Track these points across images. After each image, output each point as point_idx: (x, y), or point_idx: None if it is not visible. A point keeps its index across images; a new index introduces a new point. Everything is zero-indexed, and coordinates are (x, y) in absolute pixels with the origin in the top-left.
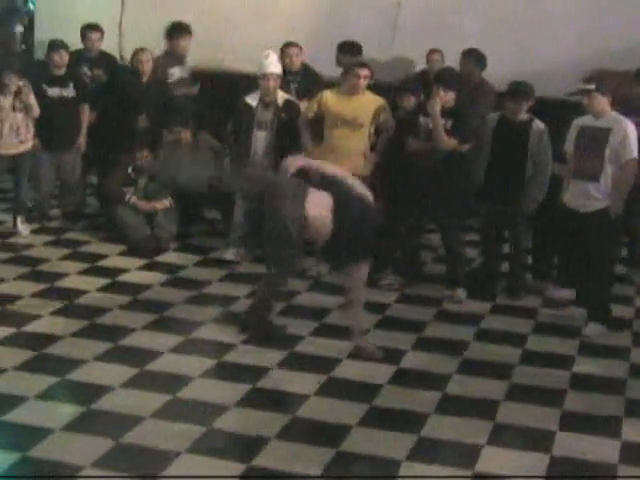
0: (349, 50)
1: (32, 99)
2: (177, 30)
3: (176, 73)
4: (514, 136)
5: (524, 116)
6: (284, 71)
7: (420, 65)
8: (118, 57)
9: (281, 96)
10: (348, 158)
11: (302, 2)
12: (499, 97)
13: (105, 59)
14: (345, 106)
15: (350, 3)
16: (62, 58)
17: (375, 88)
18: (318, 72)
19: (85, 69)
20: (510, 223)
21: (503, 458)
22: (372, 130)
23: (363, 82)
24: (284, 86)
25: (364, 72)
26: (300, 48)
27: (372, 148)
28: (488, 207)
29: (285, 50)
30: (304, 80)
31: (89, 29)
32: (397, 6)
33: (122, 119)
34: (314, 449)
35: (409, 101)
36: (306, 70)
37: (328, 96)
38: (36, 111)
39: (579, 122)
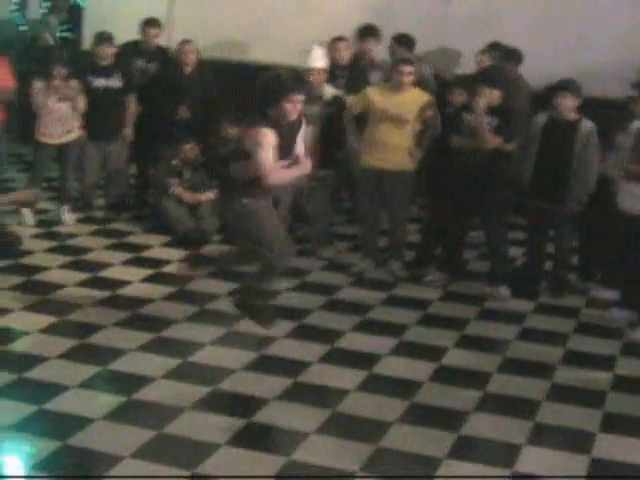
0: (405, 43)
1: (78, 90)
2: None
3: None
4: (561, 135)
5: (572, 115)
6: (332, 65)
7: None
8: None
9: (328, 90)
10: (392, 154)
11: None
12: (545, 94)
13: (160, 52)
14: (390, 102)
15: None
16: (106, 50)
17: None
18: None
19: (141, 62)
20: (555, 222)
21: (542, 458)
22: (418, 126)
23: (407, 78)
24: (332, 80)
25: (407, 68)
26: (348, 42)
27: (419, 144)
28: (534, 206)
29: (334, 44)
30: (353, 74)
31: (149, 24)
32: (446, 1)
33: (165, 110)
34: (354, 444)
35: (460, 97)
36: (353, 66)
37: (373, 92)
38: (82, 101)
39: (636, 125)
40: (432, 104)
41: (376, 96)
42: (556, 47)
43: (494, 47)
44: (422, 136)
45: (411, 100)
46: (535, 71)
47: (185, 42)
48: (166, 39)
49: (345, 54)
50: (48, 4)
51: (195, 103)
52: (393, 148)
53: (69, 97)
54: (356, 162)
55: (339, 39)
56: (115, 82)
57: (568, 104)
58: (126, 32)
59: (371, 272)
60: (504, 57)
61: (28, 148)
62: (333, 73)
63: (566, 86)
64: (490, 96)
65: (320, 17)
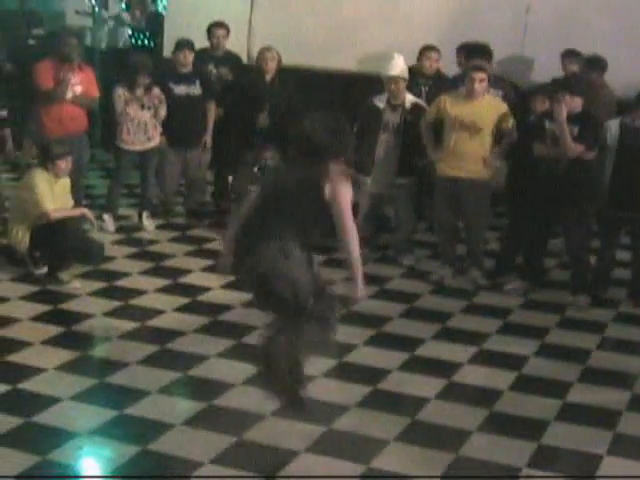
0: (476, 53)
1: (161, 97)
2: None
3: None
4: (637, 142)
5: None
6: (418, 73)
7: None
8: (246, 56)
9: (408, 99)
10: (466, 162)
11: (428, 3)
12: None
13: (230, 58)
14: (463, 110)
15: (479, 5)
16: (187, 57)
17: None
18: (450, 78)
19: (210, 67)
20: (634, 230)
21: (623, 468)
22: (493, 135)
23: (479, 86)
24: (413, 88)
25: (480, 76)
26: (439, 53)
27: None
28: (612, 214)
29: (425, 53)
30: (436, 85)
31: (215, 26)
32: (527, 9)
33: (246, 117)
34: (433, 453)
35: (543, 105)
36: (439, 76)
37: (447, 100)
38: (163, 110)
39: None
40: (507, 113)
41: (449, 104)
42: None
43: (575, 54)
44: (498, 144)
45: (485, 108)
46: (620, 79)
47: (266, 49)
48: (246, 45)
49: (434, 65)
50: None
51: (275, 111)
52: (467, 156)
53: (151, 106)
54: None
55: (432, 49)
56: (196, 89)
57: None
58: (206, 39)
59: (450, 280)
60: (588, 65)
61: (109, 154)
62: (417, 81)
63: None
64: (571, 104)
65: (403, 26)
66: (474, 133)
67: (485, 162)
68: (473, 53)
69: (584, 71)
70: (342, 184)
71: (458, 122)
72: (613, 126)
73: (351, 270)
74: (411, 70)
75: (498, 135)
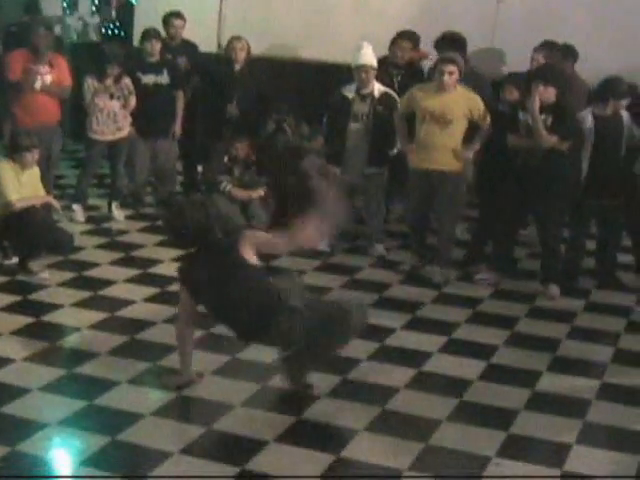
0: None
1: (130, 87)
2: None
3: None
4: (612, 130)
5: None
6: (390, 62)
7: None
8: (216, 46)
9: (377, 88)
10: (437, 154)
11: None
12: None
13: (187, 47)
14: (433, 102)
15: None
16: (154, 46)
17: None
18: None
19: (168, 57)
20: (610, 219)
21: (592, 457)
22: (465, 127)
23: (449, 78)
24: (385, 78)
25: (449, 68)
26: (412, 42)
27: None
28: (590, 203)
29: (397, 42)
30: (408, 74)
31: (172, 16)
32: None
33: (214, 107)
34: (403, 442)
35: (512, 95)
36: (412, 65)
37: (417, 92)
38: (133, 100)
39: None
40: (479, 104)
41: (420, 96)
42: (610, 45)
43: (549, 45)
44: (471, 136)
45: (456, 100)
46: (591, 70)
47: (235, 39)
48: (216, 35)
49: (406, 54)
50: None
51: (245, 101)
52: (438, 148)
53: (121, 95)
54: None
55: (403, 37)
56: (164, 78)
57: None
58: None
59: (421, 270)
60: (559, 55)
61: (79, 145)
62: (389, 71)
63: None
64: (545, 94)
65: (374, 15)
66: (444, 125)
67: (455, 154)
68: (443, 44)
69: (557, 61)
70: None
71: (428, 114)
72: (586, 116)
73: None
74: (384, 60)
75: (472, 128)
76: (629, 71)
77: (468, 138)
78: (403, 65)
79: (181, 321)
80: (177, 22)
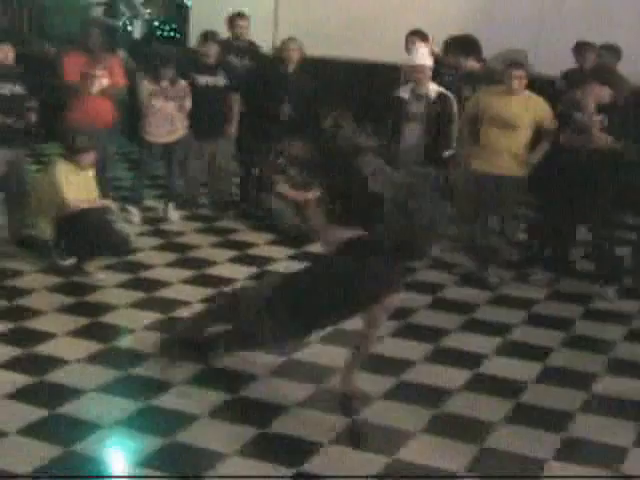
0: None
1: (186, 90)
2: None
3: None
4: None
5: None
6: (443, 64)
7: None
8: (271, 47)
9: (433, 89)
10: (500, 158)
11: None
12: None
13: (251, 48)
14: (500, 106)
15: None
16: (211, 49)
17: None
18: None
19: (232, 58)
20: None
21: None
22: (531, 132)
23: (518, 83)
24: (436, 78)
25: (519, 73)
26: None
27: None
28: None
29: (449, 46)
30: (460, 76)
31: (237, 17)
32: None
33: (268, 109)
34: (458, 444)
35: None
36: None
37: (485, 95)
38: (188, 102)
39: None
40: (546, 108)
41: (488, 99)
42: None
43: (590, 45)
44: (537, 140)
45: (523, 104)
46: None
47: (289, 40)
48: (271, 36)
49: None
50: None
51: (298, 102)
52: (503, 153)
53: (177, 97)
54: (463, 165)
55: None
56: (220, 80)
57: None
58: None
59: (477, 272)
60: (608, 54)
61: (133, 146)
62: (440, 72)
63: None
64: (600, 94)
65: (425, 15)
66: (509, 129)
67: (520, 159)
68: (452, 47)
69: (608, 61)
70: None
71: (495, 118)
72: None
73: None
74: (436, 60)
75: (537, 131)
76: None
77: (534, 141)
78: (453, 67)
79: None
80: (242, 22)
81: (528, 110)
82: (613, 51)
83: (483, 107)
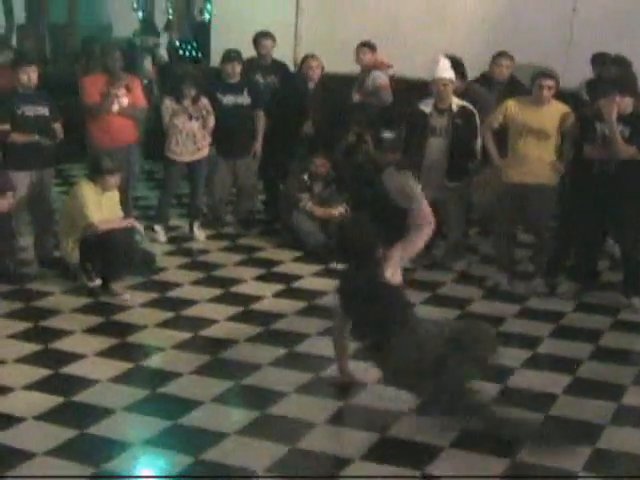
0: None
1: (209, 108)
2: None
3: None
4: None
5: None
6: (489, 79)
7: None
8: (292, 64)
9: (455, 102)
10: (535, 167)
11: (473, 5)
12: None
13: (277, 66)
14: (530, 116)
15: (523, 9)
16: (235, 68)
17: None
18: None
19: (258, 77)
20: None
21: None
22: (559, 140)
23: (547, 92)
24: (486, 94)
25: (548, 82)
26: (512, 59)
27: (560, 157)
28: None
29: (496, 60)
30: (507, 90)
31: (262, 36)
32: (572, 12)
33: (290, 126)
34: (489, 458)
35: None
36: (512, 80)
37: (513, 105)
38: (212, 120)
39: None
40: (571, 116)
41: (517, 110)
42: None
43: (605, 57)
44: (562, 149)
45: (552, 113)
46: None
47: (310, 57)
48: (292, 53)
49: (506, 71)
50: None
51: (320, 118)
52: (535, 162)
53: (200, 116)
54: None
55: (503, 55)
56: (244, 99)
57: None
58: (253, 48)
59: (505, 286)
60: (621, 65)
61: (158, 165)
62: (490, 86)
63: None
64: (621, 104)
65: (449, 30)
66: (542, 139)
67: (553, 167)
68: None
69: (628, 71)
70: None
71: (526, 128)
72: None
73: None
74: (484, 76)
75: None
76: None
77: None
78: (502, 82)
79: (335, 331)
80: (266, 42)
81: (556, 118)
82: (624, 63)
83: (514, 117)
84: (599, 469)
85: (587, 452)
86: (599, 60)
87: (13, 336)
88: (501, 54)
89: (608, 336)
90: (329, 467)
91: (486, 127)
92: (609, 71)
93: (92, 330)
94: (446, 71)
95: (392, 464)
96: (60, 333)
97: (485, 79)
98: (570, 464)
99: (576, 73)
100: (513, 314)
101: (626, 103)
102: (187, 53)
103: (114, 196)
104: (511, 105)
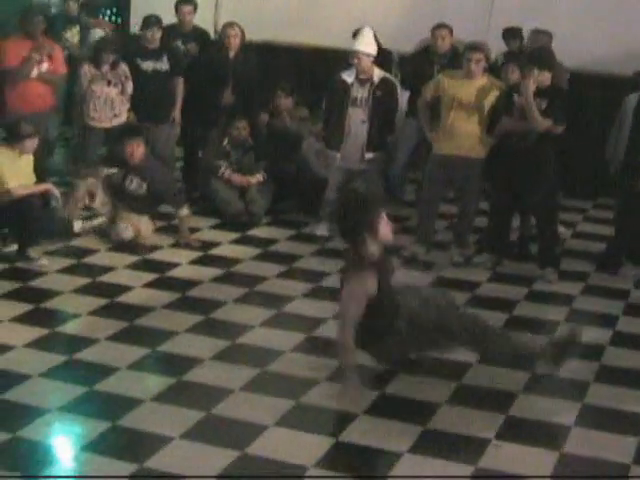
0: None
1: (127, 74)
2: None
3: None
4: None
5: None
6: (432, 52)
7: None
8: (213, 32)
9: (377, 74)
10: (463, 141)
11: None
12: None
13: (198, 34)
14: (461, 89)
15: None
16: (154, 34)
17: None
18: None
19: (178, 43)
20: None
21: (588, 440)
22: (489, 114)
23: (475, 66)
24: (428, 67)
25: (477, 55)
26: (451, 30)
27: (488, 130)
28: (629, 186)
29: (435, 31)
30: (450, 63)
31: (183, 3)
32: None
33: (210, 94)
34: (402, 425)
35: (514, 74)
36: (455, 53)
37: (445, 79)
38: (130, 86)
39: None
40: (502, 91)
41: (448, 83)
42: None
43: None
44: (491, 122)
45: (482, 87)
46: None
47: (229, 25)
48: (212, 21)
49: (446, 42)
50: None
51: (240, 88)
52: (464, 135)
53: (118, 82)
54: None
55: (441, 26)
56: (163, 65)
57: None
58: (174, 15)
59: (423, 256)
60: (545, 39)
61: (74, 130)
62: (432, 60)
63: None
64: (539, 78)
65: (371, 1)
66: (471, 112)
67: (482, 140)
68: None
69: (547, 45)
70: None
71: (456, 101)
72: (633, 99)
73: None
74: (426, 49)
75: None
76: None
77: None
78: (444, 54)
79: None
80: (187, 8)
81: (487, 92)
82: (545, 35)
83: (445, 90)
84: (511, 436)
85: (500, 420)
86: (510, 34)
87: None
88: (440, 25)
89: (522, 306)
90: (245, 433)
91: (421, 100)
92: (514, 45)
93: (7, 295)
94: (362, 44)
95: (305, 430)
96: None
97: (427, 52)
98: (483, 431)
99: (496, 45)
100: (429, 283)
101: (544, 77)
102: (107, 18)
103: (29, 160)
104: (443, 79)
